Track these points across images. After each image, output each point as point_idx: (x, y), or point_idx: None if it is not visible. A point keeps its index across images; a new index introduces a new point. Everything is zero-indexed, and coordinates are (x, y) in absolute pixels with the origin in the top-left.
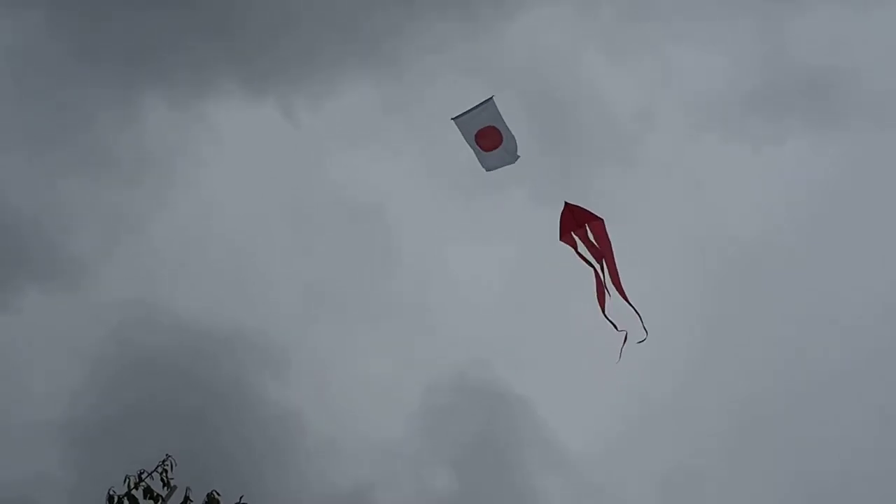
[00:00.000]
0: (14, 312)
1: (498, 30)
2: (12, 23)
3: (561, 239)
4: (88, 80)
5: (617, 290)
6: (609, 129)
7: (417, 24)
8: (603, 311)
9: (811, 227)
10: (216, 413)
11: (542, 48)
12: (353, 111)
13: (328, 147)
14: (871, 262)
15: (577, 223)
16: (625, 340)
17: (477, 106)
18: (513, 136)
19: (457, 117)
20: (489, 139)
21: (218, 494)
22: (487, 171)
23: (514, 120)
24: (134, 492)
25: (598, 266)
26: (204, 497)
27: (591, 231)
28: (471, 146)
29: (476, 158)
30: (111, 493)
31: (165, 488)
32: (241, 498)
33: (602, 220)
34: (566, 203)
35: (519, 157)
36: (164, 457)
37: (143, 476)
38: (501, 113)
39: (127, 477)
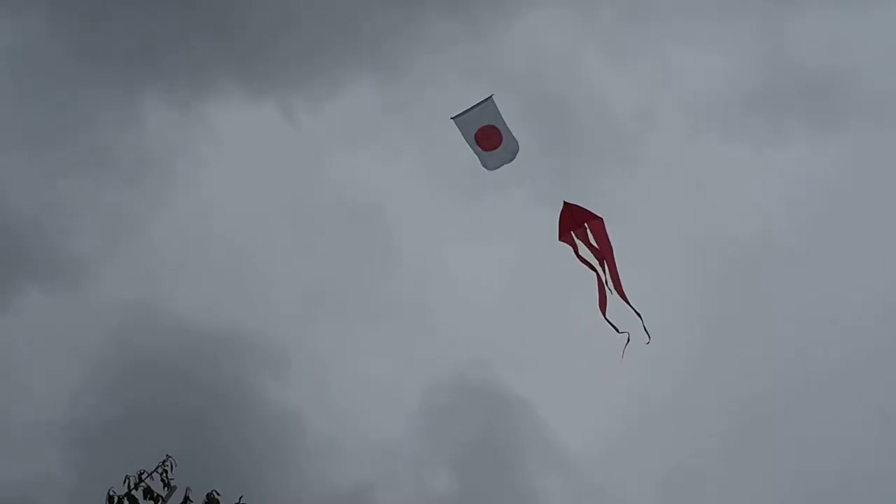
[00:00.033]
0: (14, 313)
1: (498, 30)
2: (12, 23)
3: (560, 239)
4: (89, 80)
5: (617, 290)
6: (609, 129)
7: (417, 25)
8: (604, 315)
9: (811, 227)
10: (216, 413)
11: (542, 49)
12: (353, 112)
13: (328, 148)
14: (871, 262)
15: (577, 222)
16: (628, 341)
17: (476, 105)
18: (512, 136)
19: (456, 117)
20: (489, 139)
21: (218, 494)
22: (489, 170)
23: (514, 120)
24: (134, 492)
25: (599, 270)
26: (204, 497)
27: (591, 230)
28: (470, 146)
29: (476, 158)
30: (111, 493)
31: (165, 489)
32: (240, 498)
33: (601, 218)
34: (565, 202)
35: (518, 150)
36: (165, 457)
37: (144, 476)
38: (501, 112)
39: (127, 477)
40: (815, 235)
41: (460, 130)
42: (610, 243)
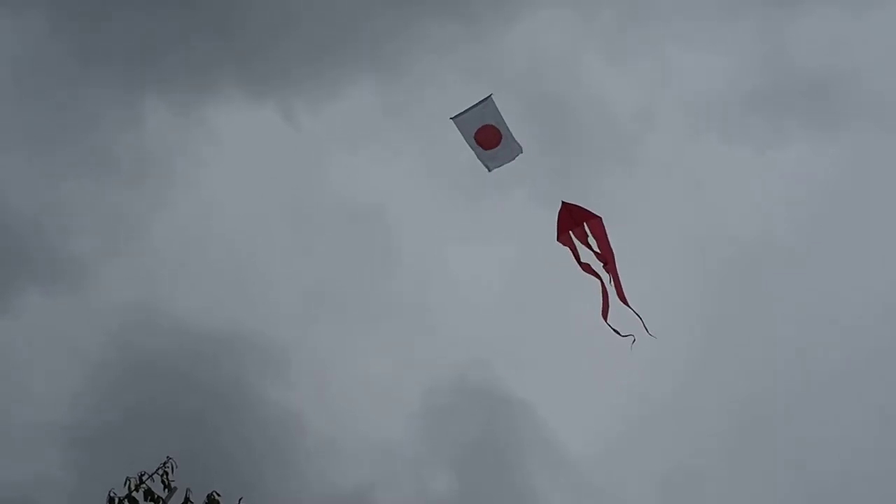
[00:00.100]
0: (15, 314)
1: (498, 31)
2: (14, 24)
3: (558, 239)
4: (89, 81)
5: (617, 290)
6: (609, 129)
7: (417, 27)
8: (605, 320)
9: (811, 227)
10: (216, 414)
11: (542, 49)
12: (353, 113)
13: (328, 149)
14: (871, 262)
15: (575, 222)
16: (634, 340)
17: (476, 105)
18: (512, 135)
19: (456, 116)
20: (489, 138)
21: (218, 495)
22: (489, 170)
23: (515, 120)
24: (135, 494)
25: (604, 277)
26: (204, 498)
27: (590, 229)
28: (470, 146)
29: (476, 158)
30: (112, 494)
31: (166, 490)
32: (240, 500)
33: (600, 217)
34: (563, 202)
35: (521, 152)
36: (166, 459)
37: (144, 478)
38: (501, 112)
39: (128, 479)
40: (815, 235)
41: (460, 131)
42: (609, 242)
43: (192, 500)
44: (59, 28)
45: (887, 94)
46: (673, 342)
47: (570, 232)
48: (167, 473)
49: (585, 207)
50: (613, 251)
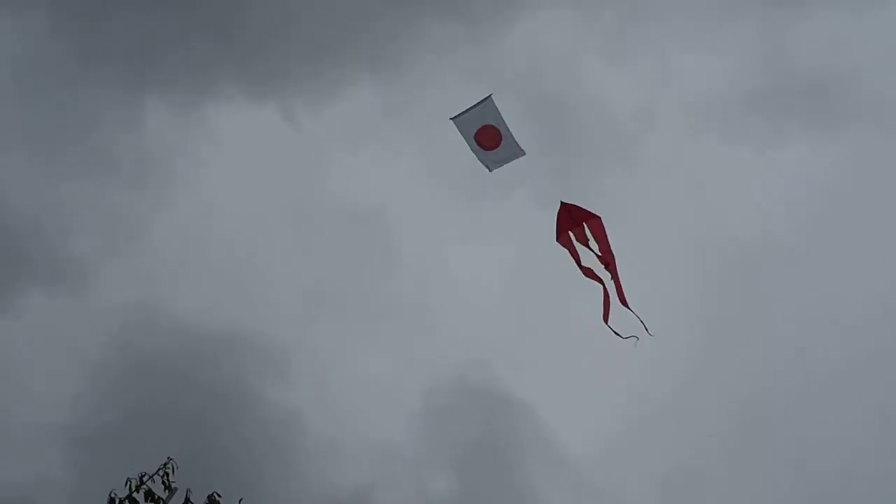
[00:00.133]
0: (15, 315)
1: (498, 32)
2: (14, 25)
3: (557, 240)
4: (90, 82)
5: (617, 291)
6: (610, 130)
7: (417, 27)
8: (607, 323)
9: (811, 227)
10: (217, 415)
11: (542, 50)
12: (353, 114)
13: (328, 149)
14: (871, 262)
15: (574, 222)
16: (637, 338)
17: (475, 105)
18: (512, 135)
19: (456, 117)
20: (489, 138)
21: (219, 496)
22: (490, 171)
23: (515, 121)
24: (135, 494)
25: (606, 281)
26: (205, 499)
27: (589, 229)
28: (470, 146)
29: (476, 159)
30: (112, 495)
31: (166, 491)
32: (240, 500)
33: (599, 217)
34: (562, 202)
35: (524, 154)
36: (166, 459)
37: (145, 479)
38: (501, 113)
39: (128, 480)
40: (815, 235)
41: (460, 131)
42: (609, 242)
43: (192, 500)
44: (59, 29)
45: (887, 94)
46: (673, 342)
47: (570, 232)
48: (168, 474)
49: (584, 207)
50: (613, 251)
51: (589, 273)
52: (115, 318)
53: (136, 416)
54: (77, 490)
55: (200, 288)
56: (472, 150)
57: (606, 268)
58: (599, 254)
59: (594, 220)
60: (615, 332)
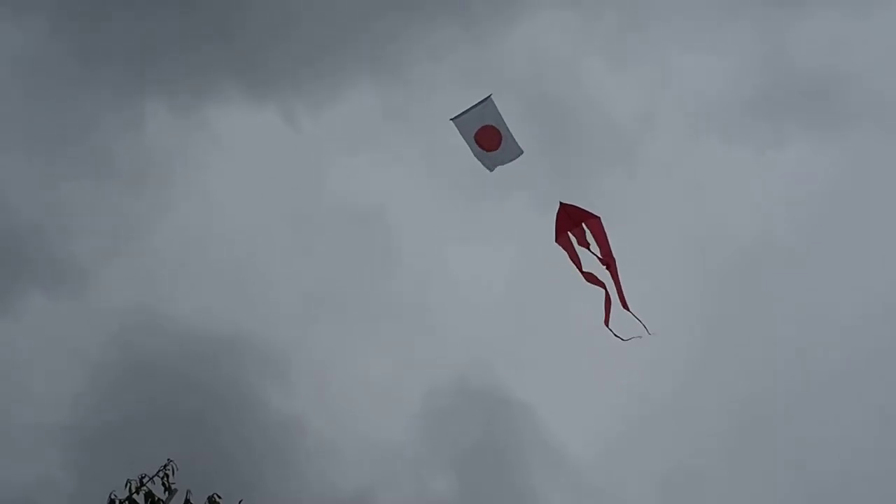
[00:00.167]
0: (16, 316)
1: (498, 34)
2: (15, 27)
3: (556, 240)
4: (91, 84)
5: (616, 289)
6: (610, 132)
7: (417, 29)
8: (608, 326)
9: (811, 227)
10: (217, 416)
11: (543, 52)
12: (353, 115)
13: (329, 152)
14: (871, 263)
15: (574, 222)
16: (640, 338)
17: (475, 105)
18: (513, 137)
19: (455, 117)
20: (489, 139)
21: (219, 497)
22: (489, 171)
23: (515, 123)
24: (135, 496)
25: (605, 279)
26: (205, 500)
27: (589, 229)
28: (470, 147)
29: (476, 160)
30: (112, 496)
31: (166, 492)
32: (240, 502)
33: (598, 217)
34: (561, 203)
35: (522, 153)
36: (166, 461)
37: (145, 480)
38: (502, 115)
39: (128, 481)
40: (815, 236)
41: (460, 131)
42: (609, 242)
43: (192, 501)
44: (60, 31)
45: (887, 95)
46: (673, 342)
47: (569, 233)
48: (168, 475)
49: (583, 208)
50: (613, 252)
51: (591, 279)
52: (116, 319)
53: (137, 417)
54: (77, 491)
55: (201, 289)
56: (471, 150)
57: (607, 268)
58: (600, 256)
59: (593, 221)
60: (617, 336)
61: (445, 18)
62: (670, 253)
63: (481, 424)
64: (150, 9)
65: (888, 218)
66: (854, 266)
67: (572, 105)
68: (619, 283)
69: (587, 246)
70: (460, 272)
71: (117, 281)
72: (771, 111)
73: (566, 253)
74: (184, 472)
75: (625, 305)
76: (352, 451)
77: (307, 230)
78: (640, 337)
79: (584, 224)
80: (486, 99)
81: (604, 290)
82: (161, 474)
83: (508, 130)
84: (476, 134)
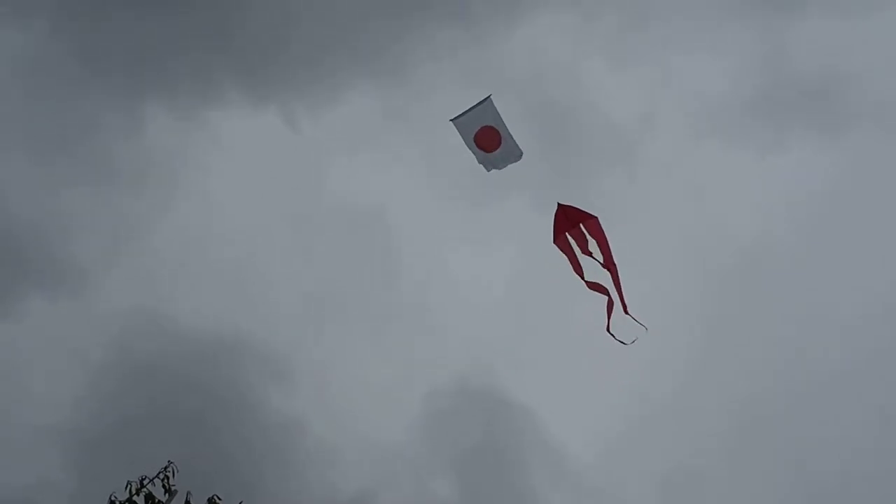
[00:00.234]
0: (17, 318)
1: (499, 36)
2: (16, 31)
3: (555, 242)
4: (92, 88)
5: (618, 293)
6: (611, 134)
7: (418, 31)
8: (609, 330)
9: (811, 227)
10: (217, 417)
11: (543, 54)
12: (353, 117)
13: (329, 153)
14: (871, 263)
15: (571, 223)
16: (638, 338)
17: (475, 106)
18: (512, 137)
19: (455, 118)
20: (488, 140)
21: (219, 498)
22: (488, 172)
23: (516, 124)
24: (135, 497)
25: (611, 291)
26: (205, 501)
27: (587, 230)
28: (470, 148)
29: (476, 161)
30: (113, 498)
31: (167, 494)
32: (240, 503)
33: (596, 217)
34: (559, 204)
35: (522, 154)
36: (167, 462)
37: (145, 482)
38: (502, 115)
39: (129, 483)
40: (815, 236)
41: (459, 132)
42: (608, 241)
43: (192, 503)
44: (61, 34)
45: (887, 96)
46: (673, 342)
47: (568, 235)
48: (168, 477)
49: (581, 208)
50: (614, 255)
51: (594, 287)
52: (116, 321)
53: (137, 418)
54: (77, 492)
55: (201, 289)
56: (471, 151)
57: (608, 269)
58: (600, 259)
59: (591, 221)
60: (619, 341)
61: (446, 19)
62: (670, 253)
63: (481, 425)
64: (151, 10)
65: (888, 218)
66: (854, 266)
67: (572, 106)
68: (619, 287)
69: (587, 248)
70: (460, 273)
71: (118, 282)
72: (771, 111)
73: (564, 254)
74: (184, 473)
75: (626, 310)
76: (352, 452)
77: (307, 231)
78: (637, 339)
79: (582, 225)
80: (485, 99)
81: (606, 296)
82: (161, 476)
83: (508, 131)
84: (475, 135)
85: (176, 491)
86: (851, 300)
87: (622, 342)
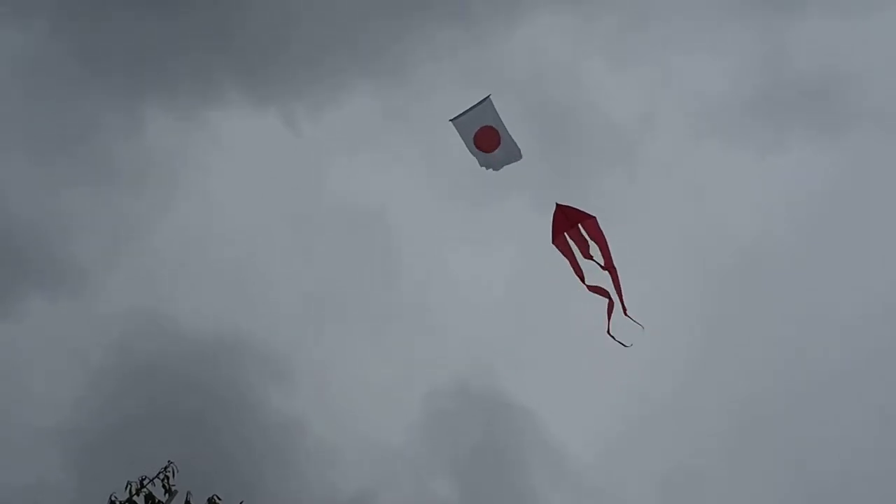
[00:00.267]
0: (17, 319)
1: (499, 37)
2: (16, 31)
3: (553, 242)
4: (92, 88)
5: (617, 295)
6: (611, 134)
7: (418, 32)
8: (609, 332)
9: (811, 227)
10: (218, 418)
11: (544, 55)
12: (353, 118)
13: (329, 154)
14: (871, 263)
15: (570, 223)
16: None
17: (474, 106)
18: (511, 137)
19: (455, 118)
20: (488, 140)
21: (219, 499)
22: (487, 172)
23: (516, 125)
24: (135, 497)
25: (613, 294)
26: (205, 501)
27: (585, 230)
28: (469, 148)
29: (476, 161)
30: (113, 498)
31: (167, 494)
32: (241, 503)
33: (594, 217)
34: (558, 204)
35: (521, 154)
36: (167, 462)
37: (145, 482)
38: (501, 116)
39: (129, 483)
40: (815, 236)
41: (459, 133)
42: (606, 241)
43: (192, 503)
44: (61, 35)
45: (888, 96)
46: (673, 342)
47: (567, 236)
48: (168, 477)
49: (579, 208)
50: (613, 258)
51: (594, 290)
52: (116, 321)
53: (137, 419)
54: (77, 493)
55: (201, 289)
56: (470, 151)
57: (608, 271)
58: (600, 261)
59: (590, 221)
60: (619, 342)
61: (446, 19)
62: (670, 253)
63: (481, 425)
64: (151, 10)
65: (888, 218)
66: (854, 266)
67: (572, 106)
68: (619, 288)
69: (587, 249)
70: (460, 273)
71: (118, 282)
72: (771, 111)
73: (563, 255)
74: (184, 473)
75: (625, 312)
76: (352, 452)
77: (307, 231)
78: (634, 342)
79: (580, 225)
80: (484, 100)
81: (606, 298)
82: (161, 476)
83: (507, 132)
84: (475, 135)
85: (176, 491)
86: (851, 300)
87: (623, 344)
